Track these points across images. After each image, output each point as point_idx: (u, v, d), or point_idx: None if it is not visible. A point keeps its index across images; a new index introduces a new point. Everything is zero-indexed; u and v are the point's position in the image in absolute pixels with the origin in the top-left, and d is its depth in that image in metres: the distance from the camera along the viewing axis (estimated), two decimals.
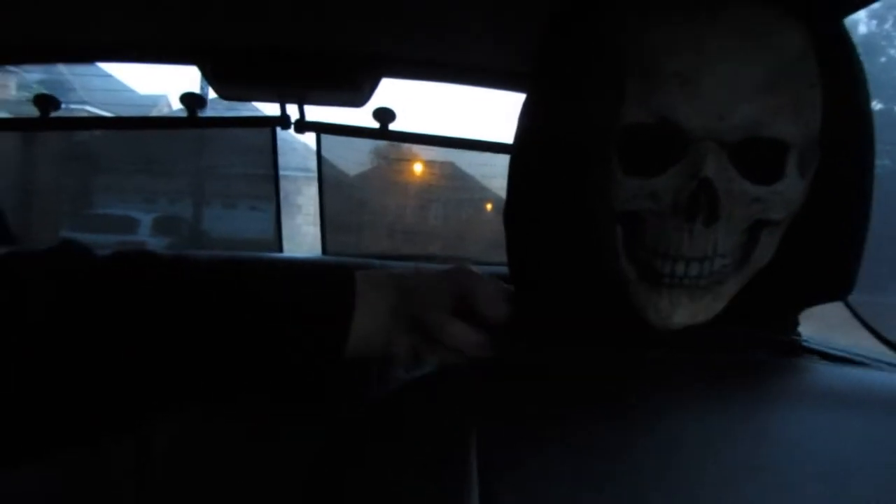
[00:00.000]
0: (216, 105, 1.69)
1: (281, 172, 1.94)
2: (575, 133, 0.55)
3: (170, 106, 8.18)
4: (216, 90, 1.50)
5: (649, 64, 0.51)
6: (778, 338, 0.61)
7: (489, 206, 3.38)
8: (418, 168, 3.24)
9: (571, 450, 0.48)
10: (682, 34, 0.50)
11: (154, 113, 7.88)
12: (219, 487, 1.38)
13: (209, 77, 1.45)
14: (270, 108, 1.68)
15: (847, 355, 0.97)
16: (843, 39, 0.57)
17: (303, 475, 0.55)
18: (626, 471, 0.48)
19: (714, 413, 0.52)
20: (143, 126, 1.82)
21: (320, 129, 1.73)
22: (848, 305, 0.96)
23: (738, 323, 0.58)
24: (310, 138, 1.85)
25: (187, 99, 1.58)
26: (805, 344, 0.63)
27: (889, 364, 1.01)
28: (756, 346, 0.59)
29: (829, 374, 0.58)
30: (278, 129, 1.74)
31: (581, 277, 0.58)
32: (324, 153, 2.01)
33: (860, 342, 1.13)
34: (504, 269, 0.64)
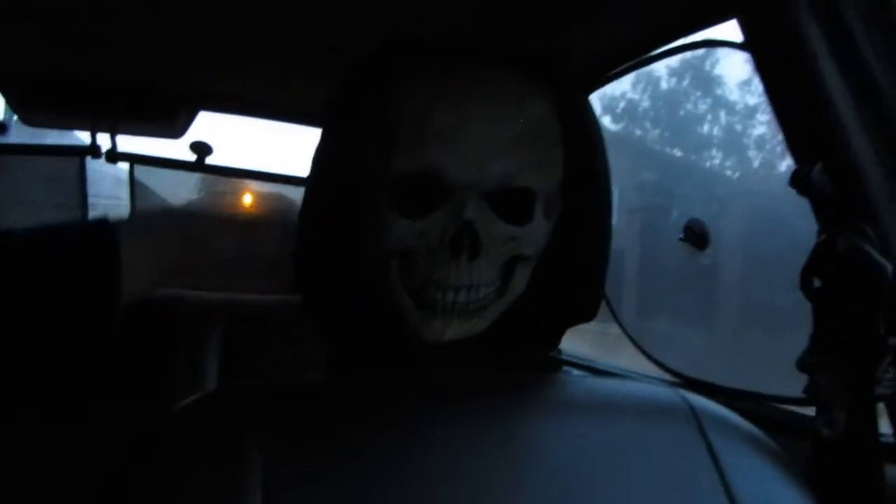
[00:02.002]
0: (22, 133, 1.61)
1: (96, 200, 1.85)
2: (353, 179, 0.61)
3: None
4: (21, 116, 1.44)
5: (416, 122, 0.57)
6: (539, 355, 0.69)
7: None
8: (248, 199, 3.19)
9: (348, 461, 0.54)
10: (442, 97, 0.57)
11: None
12: (14, 492, 1.31)
13: (13, 103, 1.40)
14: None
15: (605, 369, 1.09)
16: (582, 105, 0.67)
17: (96, 477, 0.57)
18: (396, 476, 0.54)
19: (473, 423, 0.59)
20: None
21: (133, 159, 1.69)
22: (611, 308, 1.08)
23: (505, 344, 0.66)
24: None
25: None
26: (565, 359, 0.71)
27: (648, 377, 1.14)
28: (520, 363, 0.67)
29: (581, 386, 0.67)
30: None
31: (362, 307, 0.64)
32: (147, 183, 1.95)
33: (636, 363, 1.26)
34: None
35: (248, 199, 3.20)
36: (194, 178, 2.48)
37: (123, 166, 1.78)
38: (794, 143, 0.71)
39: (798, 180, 0.67)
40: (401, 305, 0.60)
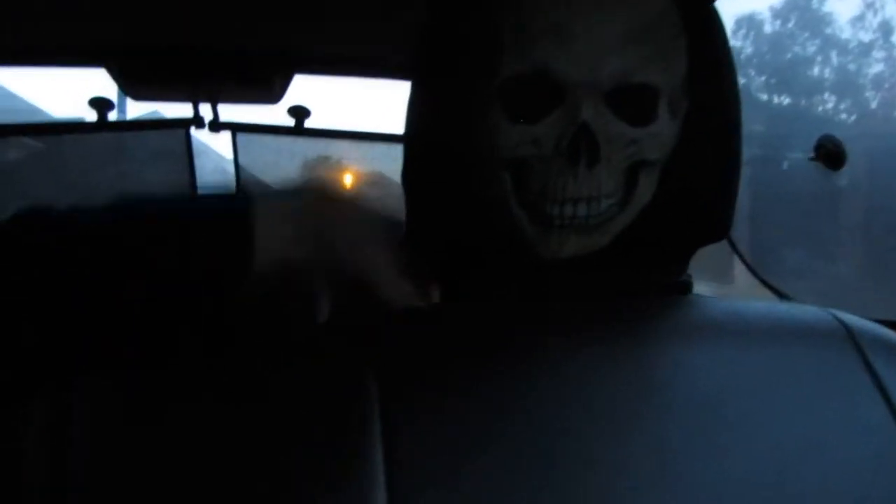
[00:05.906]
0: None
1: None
2: (460, 89, 0.57)
3: None
4: (126, 91, 1.48)
5: (526, 19, 0.53)
6: (668, 278, 0.64)
7: None
8: (348, 179, 3.25)
9: (466, 393, 0.51)
10: None
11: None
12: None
13: (118, 77, 1.43)
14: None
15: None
16: None
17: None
18: (519, 407, 0.50)
19: (601, 351, 0.54)
20: (43, 132, 1.74)
21: (235, 128, 1.71)
22: (732, 246, 1.01)
23: (630, 266, 0.61)
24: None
25: (96, 103, 1.54)
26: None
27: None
28: (647, 287, 0.62)
29: (719, 309, 0.61)
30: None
31: (475, 225, 0.60)
32: (247, 169, 1.99)
33: None
34: None
35: (348, 180, 3.27)
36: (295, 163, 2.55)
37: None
38: None
39: None
40: (516, 222, 0.56)
